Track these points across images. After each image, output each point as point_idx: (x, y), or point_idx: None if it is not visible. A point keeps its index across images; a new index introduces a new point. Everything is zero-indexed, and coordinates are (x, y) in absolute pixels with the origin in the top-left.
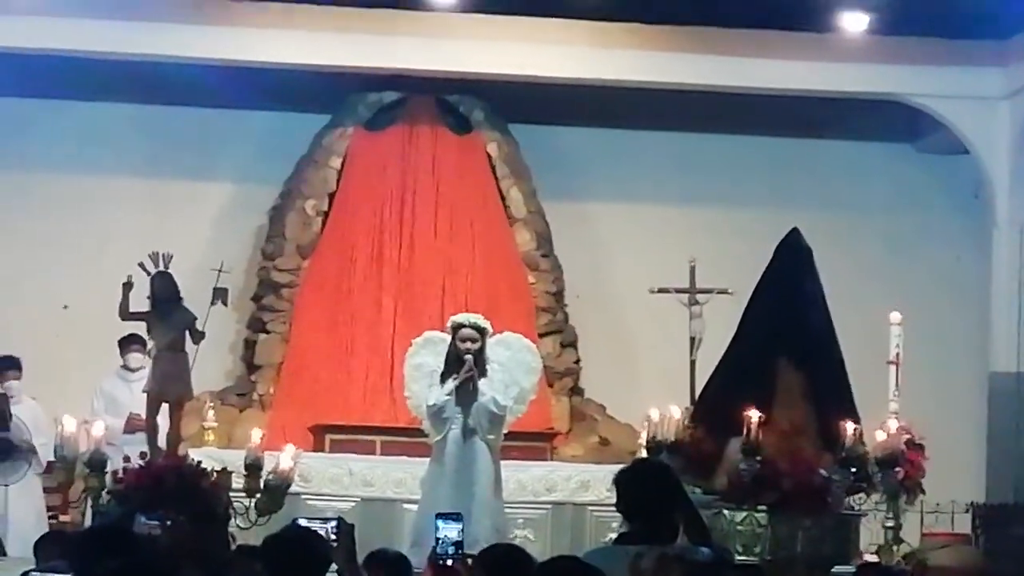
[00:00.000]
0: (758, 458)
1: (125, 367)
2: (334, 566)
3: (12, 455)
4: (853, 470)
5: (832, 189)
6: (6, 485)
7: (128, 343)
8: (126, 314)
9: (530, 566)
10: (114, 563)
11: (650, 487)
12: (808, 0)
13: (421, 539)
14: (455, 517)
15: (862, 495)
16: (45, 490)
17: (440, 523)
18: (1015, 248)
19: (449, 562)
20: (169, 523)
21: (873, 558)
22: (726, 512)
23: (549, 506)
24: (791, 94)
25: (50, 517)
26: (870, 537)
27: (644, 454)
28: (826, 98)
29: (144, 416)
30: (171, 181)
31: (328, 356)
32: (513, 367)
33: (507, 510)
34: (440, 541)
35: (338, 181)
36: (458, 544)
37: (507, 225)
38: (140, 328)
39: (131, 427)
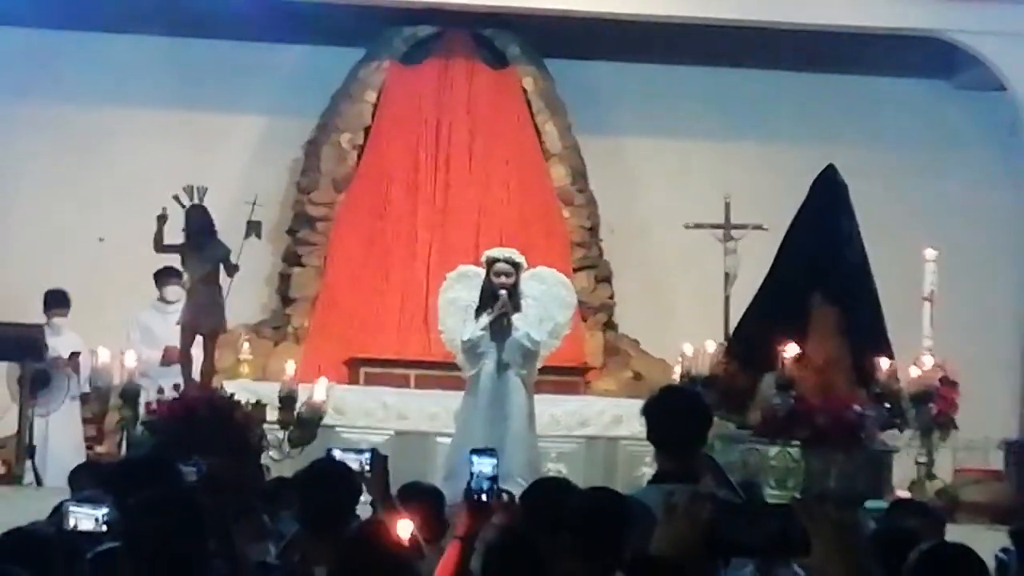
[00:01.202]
0: (792, 393)
1: (162, 299)
2: (366, 497)
3: (49, 385)
4: (887, 406)
5: (867, 125)
6: (44, 415)
7: (165, 275)
8: (160, 247)
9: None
10: (150, 493)
11: (681, 415)
12: None
13: (454, 472)
14: (490, 452)
15: (895, 431)
16: (83, 421)
17: (475, 458)
18: None
19: (484, 497)
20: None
21: (906, 494)
22: (759, 447)
23: (582, 440)
24: (827, 29)
25: (87, 448)
26: (903, 473)
27: None
28: (862, 34)
29: (179, 348)
30: (205, 114)
31: (363, 290)
32: (547, 301)
33: (540, 444)
34: (475, 476)
35: (373, 115)
36: (493, 479)
37: (542, 160)
38: (176, 261)
39: (167, 359)
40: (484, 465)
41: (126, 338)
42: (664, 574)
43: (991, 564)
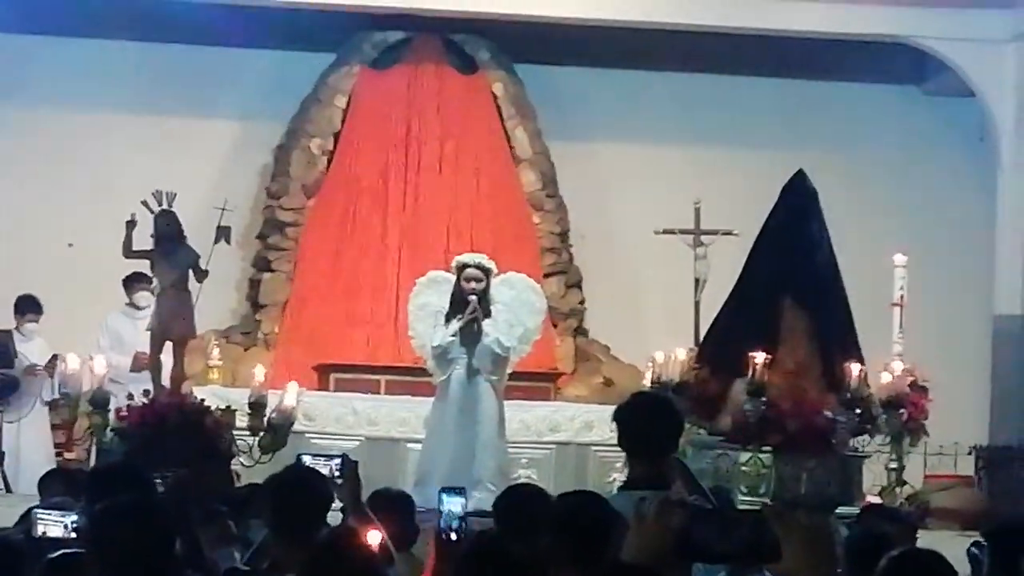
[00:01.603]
0: (763, 399)
1: (132, 305)
2: (337, 503)
3: (17, 392)
4: (857, 411)
5: (838, 131)
6: (11, 422)
7: (135, 281)
8: (129, 252)
9: (550, 504)
10: (118, 499)
11: (652, 421)
12: None
13: (425, 478)
14: (459, 491)
15: (866, 436)
16: (52, 427)
17: (444, 497)
18: (1020, 191)
19: (454, 536)
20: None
21: (876, 499)
22: (730, 453)
23: (553, 446)
24: (798, 35)
25: (57, 454)
26: (873, 479)
27: None
28: (833, 39)
29: (149, 354)
30: (175, 119)
31: (333, 295)
32: (517, 307)
33: (511, 450)
34: (444, 515)
35: (343, 120)
36: (463, 518)
37: (512, 165)
38: (146, 266)
39: (137, 365)
40: (454, 504)
41: (96, 344)
42: None
43: (962, 570)
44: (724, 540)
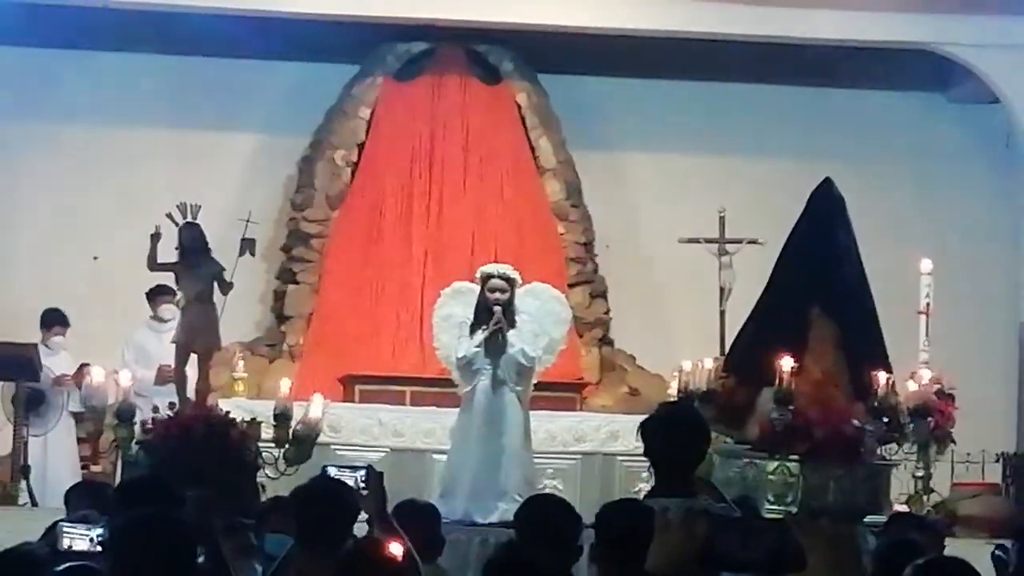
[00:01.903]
0: (790, 407)
1: (156, 318)
2: (363, 515)
3: (42, 407)
4: (885, 420)
5: (864, 139)
6: (37, 436)
7: (159, 294)
8: (154, 265)
9: (572, 515)
10: (137, 514)
11: (678, 434)
12: None
13: (450, 490)
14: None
15: (893, 445)
16: (78, 441)
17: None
18: None
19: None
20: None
21: (904, 508)
22: (758, 462)
23: (578, 456)
24: (822, 43)
25: (82, 468)
26: (901, 487)
27: None
28: (857, 47)
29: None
30: (200, 132)
31: (358, 307)
32: (542, 317)
33: (536, 460)
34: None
35: (367, 132)
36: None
37: (536, 175)
38: (170, 279)
39: (162, 378)
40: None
41: (120, 357)
42: None
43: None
44: (748, 549)
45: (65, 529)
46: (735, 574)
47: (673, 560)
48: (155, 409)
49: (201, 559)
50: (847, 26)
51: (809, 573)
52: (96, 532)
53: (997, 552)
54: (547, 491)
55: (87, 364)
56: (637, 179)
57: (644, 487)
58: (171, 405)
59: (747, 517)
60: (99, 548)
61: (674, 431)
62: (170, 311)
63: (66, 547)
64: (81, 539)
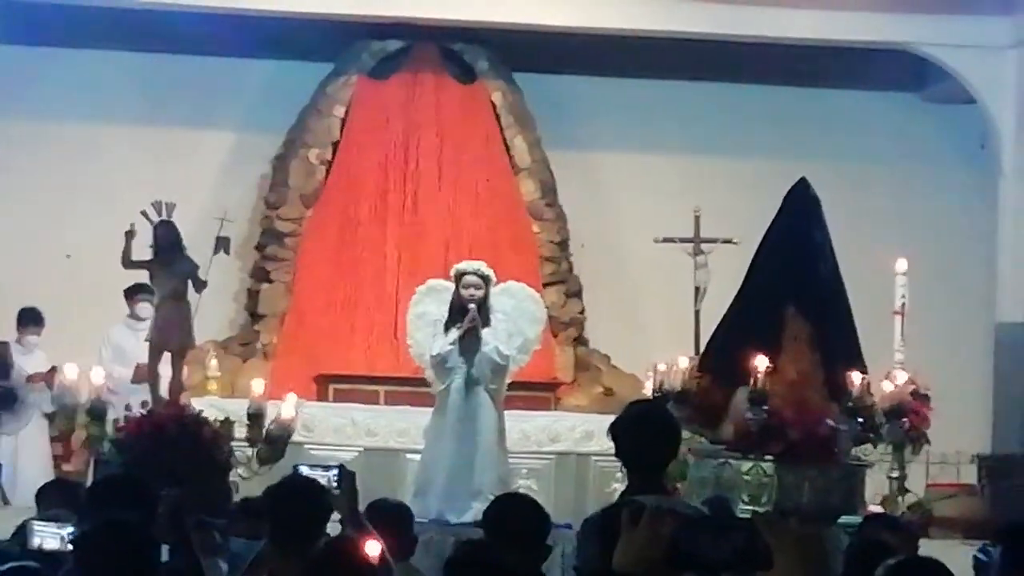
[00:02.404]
0: (765, 408)
1: (133, 316)
2: (336, 515)
3: (14, 405)
4: (859, 420)
5: (839, 139)
6: (8, 434)
7: (135, 292)
8: (128, 262)
9: (540, 514)
10: (104, 522)
11: (649, 434)
12: None
13: (424, 489)
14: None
15: (868, 446)
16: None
17: None
18: (1021, 198)
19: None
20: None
21: (878, 508)
22: (732, 462)
23: (553, 456)
24: (797, 43)
25: (55, 466)
26: (876, 487)
27: None
28: (833, 47)
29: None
30: (174, 130)
31: (332, 305)
32: (517, 316)
33: (511, 460)
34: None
35: (342, 130)
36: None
37: (511, 174)
38: (145, 276)
39: (139, 377)
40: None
41: (98, 355)
42: None
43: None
44: (716, 547)
45: (36, 528)
46: (701, 573)
47: (640, 560)
48: (127, 408)
49: (167, 558)
50: (823, 26)
51: (776, 572)
52: (67, 531)
53: (979, 555)
54: (520, 491)
55: (56, 367)
56: (612, 178)
57: (618, 487)
58: (144, 404)
59: (714, 516)
60: (70, 547)
61: (644, 431)
62: (147, 310)
63: (36, 546)
64: (52, 538)
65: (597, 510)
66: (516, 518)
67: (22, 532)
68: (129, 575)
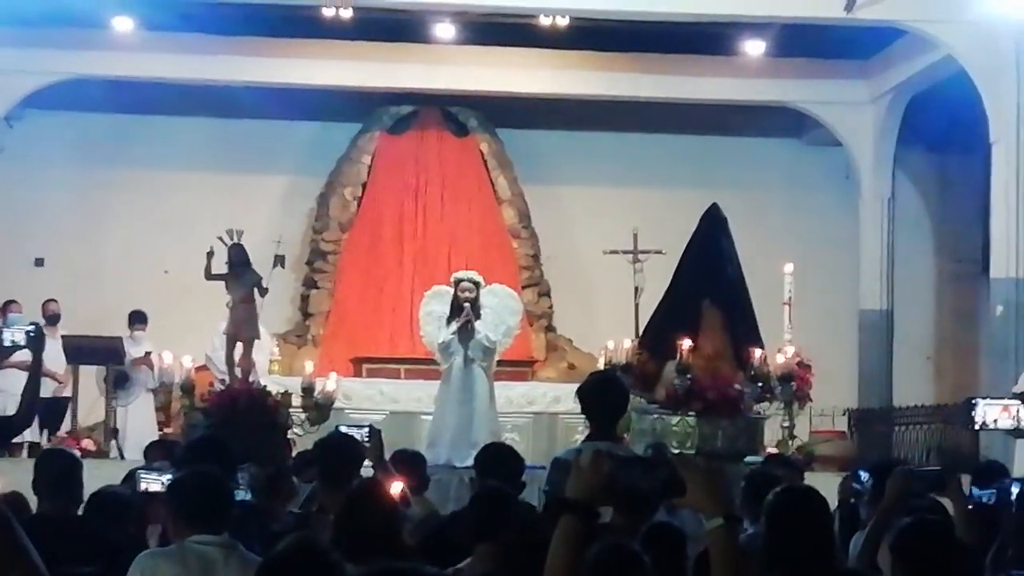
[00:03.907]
0: (688, 376)
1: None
2: (368, 462)
3: (126, 384)
4: (759, 384)
5: (742, 173)
6: (123, 406)
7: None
8: (209, 276)
9: (518, 458)
10: (200, 466)
11: (604, 394)
12: (720, 30)
13: (434, 441)
14: None
15: (766, 403)
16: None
17: None
18: (876, 215)
19: None
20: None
21: (775, 450)
22: (664, 417)
23: (531, 415)
24: (710, 103)
25: (159, 429)
26: (772, 435)
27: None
28: (736, 105)
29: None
30: (242, 175)
31: (363, 305)
32: (501, 311)
33: (500, 419)
34: None
35: (368, 173)
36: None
37: (496, 205)
38: (222, 287)
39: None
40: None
41: (210, 344)
42: (572, 510)
43: (832, 501)
44: (646, 479)
45: (142, 475)
46: (634, 500)
47: (584, 491)
48: (210, 383)
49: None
50: (727, 89)
51: (688, 498)
52: (165, 477)
53: (855, 484)
54: (504, 441)
55: (149, 352)
56: (572, 207)
57: (579, 438)
58: (222, 381)
59: (644, 457)
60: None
61: (603, 393)
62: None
63: (143, 489)
64: (155, 483)
65: (562, 450)
66: (500, 460)
67: (131, 478)
68: (208, 511)
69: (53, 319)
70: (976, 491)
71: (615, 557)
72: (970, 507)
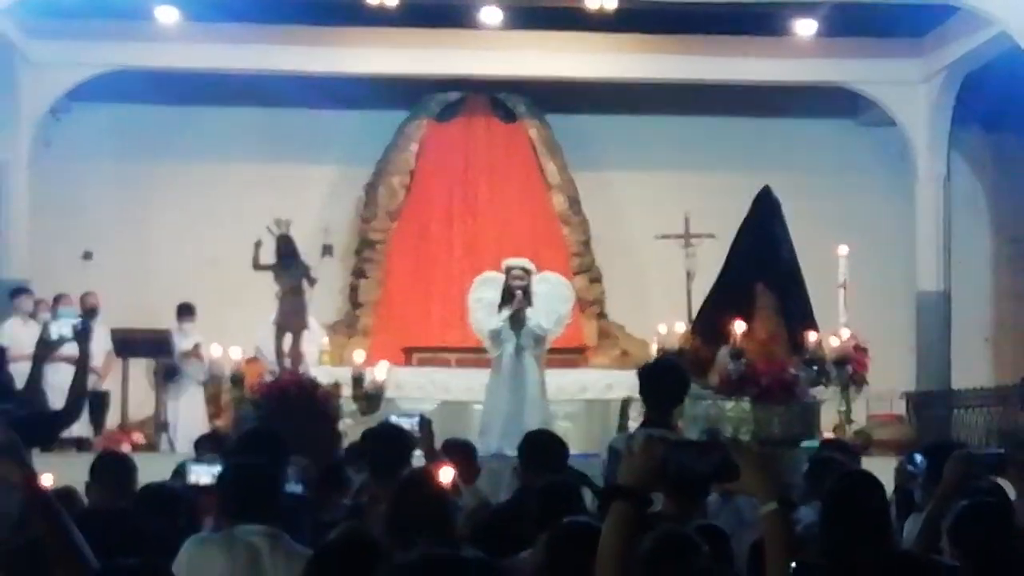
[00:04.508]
0: (742, 360)
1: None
2: (418, 451)
3: (175, 376)
4: (814, 368)
5: (794, 155)
6: (174, 400)
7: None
8: (257, 266)
9: (563, 445)
10: (249, 459)
11: (663, 379)
12: (770, 11)
13: (485, 430)
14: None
15: (821, 387)
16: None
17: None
18: (932, 196)
19: None
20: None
21: (831, 435)
22: (719, 402)
23: (583, 402)
24: (761, 84)
25: (210, 421)
26: (828, 419)
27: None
28: (787, 86)
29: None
30: (290, 165)
31: (413, 294)
32: (553, 298)
33: (551, 406)
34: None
35: (416, 161)
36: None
37: (545, 191)
38: (272, 277)
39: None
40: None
41: (259, 337)
42: (625, 497)
43: (889, 484)
44: (700, 463)
45: (192, 467)
46: (688, 484)
47: (638, 477)
48: (260, 375)
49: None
50: (780, 70)
51: (741, 483)
52: (216, 470)
53: (908, 466)
54: (557, 429)
55: (198, 344)
56: (622, 192)
57: (633, 424)
58: (271, 372)
59: (696, 440)
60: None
61: (659, 376)
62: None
63: (193, 481)
64: (205, 475)
65: (617, 437)
66: (543, 448)
67: (182, 471)
68: (256, 503)
69: (91, 313)
70: None
71: (672, 544)
72: None
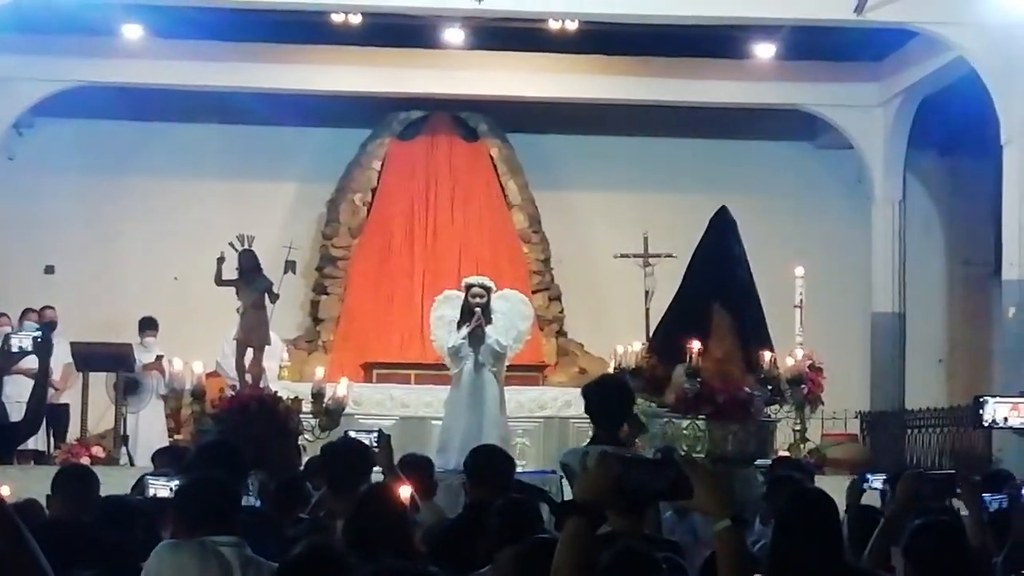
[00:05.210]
0: (698, 379)
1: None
2: (378, 468)
3: (137, 390)
4: (769, 387)
5: (751, 177)
6: (134, 412)
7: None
8: (220, 281)
9: (509, 460)
10: (208, 472)
11: (609, 396)
12: (729, 33)
13: (444, 447)
14: None
15: (776, 406)
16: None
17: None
18: (888, 218)
19: None
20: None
21: (786, 453)
22: (674, 420)
23: (541, 420)
24: (721, 106)
25: (169, 436)
26: (783, 438)
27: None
28: (746, 108)
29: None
30: (252, 182)
31: (374, 311)
32: (512, 316)
33: (510, 423)
34: None
35: (378, 179)
36: None
37: (506, 209)
38: (233, 292)
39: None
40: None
41: (220, 351)
42: (580, 512)
43: (842, 503)
44: (655, 479)
45: (150, 481)
46: (641, 500)
47: (592, 492)
48: (220, 389)
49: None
50: (738, 92)
51: (696, 499)
52: (174, 483)
53: (859, 485)
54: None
55: (161, 356)
56: (582, 211)
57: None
58: (232, 387)
59: (650, 458)
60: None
61: (605, 393)
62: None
63: (151, 494)
64: (163, 488)
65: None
66: (488, 464)
67: (140, 484)
68: (214, 516)
69: (50, 326)
70: (987, 497)
71: (631, 560)
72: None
